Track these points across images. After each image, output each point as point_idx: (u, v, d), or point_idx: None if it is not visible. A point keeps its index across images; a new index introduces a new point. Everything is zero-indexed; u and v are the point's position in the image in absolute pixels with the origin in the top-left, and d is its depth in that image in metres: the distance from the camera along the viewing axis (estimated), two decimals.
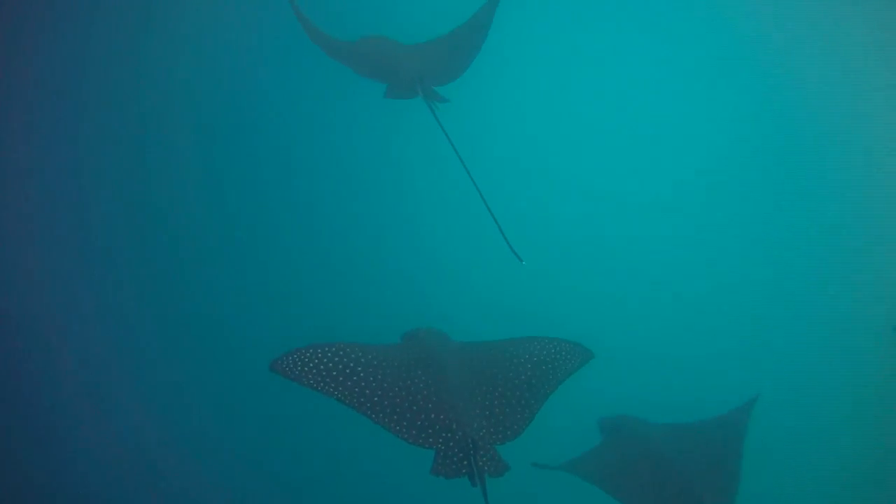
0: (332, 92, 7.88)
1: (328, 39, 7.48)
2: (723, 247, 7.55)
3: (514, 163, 7.70)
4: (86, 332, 6.39)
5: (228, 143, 7.64)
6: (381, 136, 7.81)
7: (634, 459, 5.56)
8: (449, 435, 4.78)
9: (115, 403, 6.11)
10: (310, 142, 7.77)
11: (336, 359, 5.00)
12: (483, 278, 6.93)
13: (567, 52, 8.44)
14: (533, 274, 6.44)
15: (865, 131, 7.81)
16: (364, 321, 6.35)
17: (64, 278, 6.64)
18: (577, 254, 7.28)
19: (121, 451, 5.92)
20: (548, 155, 7.87)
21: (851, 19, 8.17)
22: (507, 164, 7.62)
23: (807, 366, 6.86)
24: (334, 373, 4.93)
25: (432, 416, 4.84)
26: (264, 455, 6.07)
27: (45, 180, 7.04)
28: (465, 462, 4.69)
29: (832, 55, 8.12)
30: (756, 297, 7.30)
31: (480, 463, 4.69)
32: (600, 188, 7.66)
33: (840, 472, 6.24)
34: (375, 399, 4.86)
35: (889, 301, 7.20)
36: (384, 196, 7.54)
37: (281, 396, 5.95)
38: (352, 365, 5.00)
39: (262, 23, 8.10)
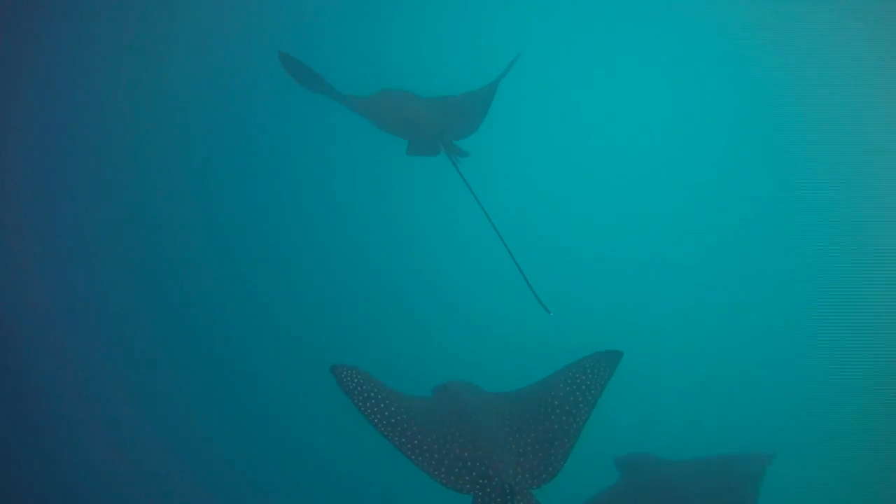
0: (355, 151, 8.12)
1: (347, 97, 7.66)
2: (752, 279, 7.68)
3: (537, 212, 7.90)
4: (85, 339, 6.49)
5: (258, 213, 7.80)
6: (403, 191, 7.99)
7: (650, 498, 5.59)
8: (486, 481, 4.87)
9: (115, 409, 6.17)
10: (337, 201, 7.95)
11: (384, 392, 5.16)
12: (512, 330, 7.02)
13: (583, 97, 8.67)
14: (560, 324, 6.53)
15: (868, 132, 7.93)
16: (392, 374, 6.42)
17: (63, 286, 6.75)
18: (601, 300, 7.39)
19: (122, 457, 5.99)
20: (570, 203, 8.05)
21: (853, 20, 8.31)
22: (531, 214, 7.82)
23: (825, 422, 6.86)
24: (382, 404, 5.09)
25: (469, 463, 4.94)
26: (265, 460, 6.14)
27: (44, 191, 7.20)
28: None
29: (833, 54, 8.31)
30: (785, 332, 7.35)
31: None
32: (624, 233, 7.84)
33: None
34: (416, 442, 4.99)
35: None
36: (411, 251, 7.71)
37: (286, 406, 6.28)
38: (396, 403, 5.14)
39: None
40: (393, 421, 5.06)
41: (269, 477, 6.06)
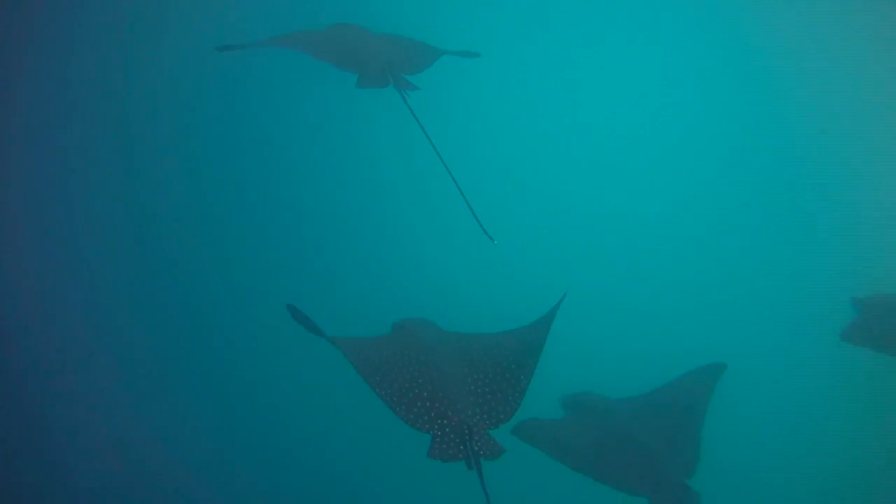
0: (305, 86, 8.04)
1: (297, 36, 7.56)
2: (696, 217, 7.73)
3: (486, 148, 7.89)
4: (76, 335, 6.43)
5: (208, 140, 7.73)
6: (355, 126, 7.94)
7: (595, 434, 5.65)
8: (445, 421, 4.97)
9: (109, 405, 6.14)
10: (284, 134, 7.89)
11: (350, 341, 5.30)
12: (456, 261, 7.07)
13: (542, 36, 8.60)
14: (504, 253, 6.61)
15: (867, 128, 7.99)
16: (343, 314, 6.42)
17: (53, 281, 6.69)
18: (546, 233, 7.46)
19: (115, 453, 5.93)
20: (520, 141, 8.06)
21: (854, 18, 8.33)
22: (479, 150, 7.81)
23: (773, 334, 6.97)
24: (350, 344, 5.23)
25: (427, 403, 5.02)
26: (260, 447, 6.12)
27: (35, 184, 7.13)
28: (462, 447, 4.88)
29: (833, 52, 8.32)
30: (726, 261, 7.46)
31: (476, 447, 4.88)
32: (572, 170, 7.84)
33: (801, 443, 6.31)
34: (377, 377, 5.10)
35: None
36: (358, 185, 7.66)
37: (275, 390, 6.22)
38: (360, 342, 5.28)
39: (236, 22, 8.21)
40: (358, 351, 5.19)
41: (269, 457, 6.12)
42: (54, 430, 5.94)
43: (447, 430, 4.94)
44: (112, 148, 7.45)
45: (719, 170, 8.02)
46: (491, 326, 5.84)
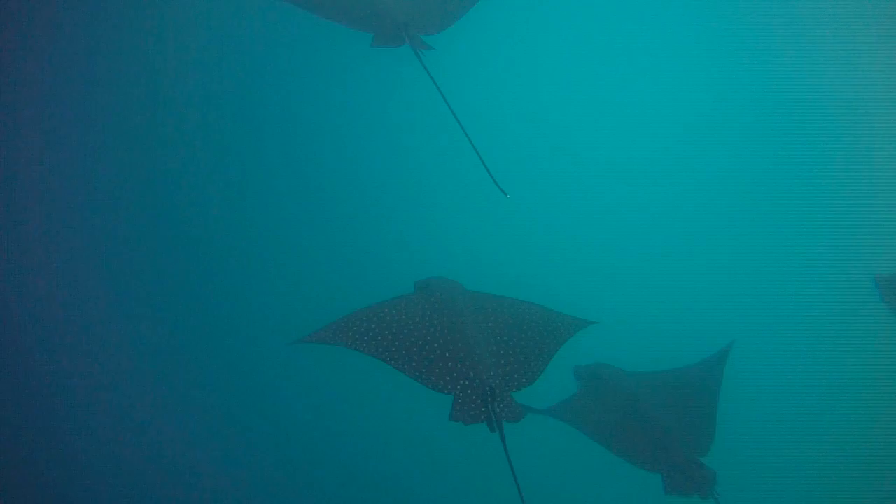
0: (320, 47, 7.97)
1: None
2: (707, 197, 7.65)
3: (502, 108, 7.82)
4: (97, 330, 6.40)
5: (223, 110, 7.64)
6: (372, 87, 7.88)
7: (612, 407, 5.61)
8: (467, 382, 4.88)
9: (128, 401, 6.12)
10: (299, 96, 7.82)
11: (359, 322, 5.14)
12: (472, 216, 7.04)
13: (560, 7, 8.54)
14: (518, 208, 6.58)
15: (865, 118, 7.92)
16: (364, 275, 6.53)
17: (73, 276, 6.63)
18: (559, 191, 7.40)
19: (134, 448, 5.94)
20: (536, 101, 7.99)
21: (854, 16, 8.27)
22: (495, 109, 7.74)
23: (785, 312, 6.95)
24: (356, 335, 5.07)
25: (450, 364, 4.93)
26: (278, 440, 6.11)
27: (50, 177, 7.05)
28: (483, 409, 4.79)
29: (834, 49, 8.22)
30: (734, 245, 7.39)
31: (498, 409, 4.79)
32: (591, 130, 7.79)
33: (816, 420, 6.30)
34: (393, 349, 4.97)
35: (870, 250, 7.25)
36: (375, 146, 7.61)
37: (292, 380, 6.18)
38: (373, 326, 5.12)
39: None
40: (372, 341, 5.04)
41: (283, 440, 6.11)
42: (71, 429, 5.94)
43: (469, 391, 4.85)
44: (130, 134, 7.35)
45: (739, 150, 7.95)
46: (507, 285, 5.78)
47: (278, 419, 6.10)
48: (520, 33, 8.37)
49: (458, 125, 6.47)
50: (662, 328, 6.56)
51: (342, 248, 6.90)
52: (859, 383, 6.48)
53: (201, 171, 7.21)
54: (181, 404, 6.11)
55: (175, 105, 7.46)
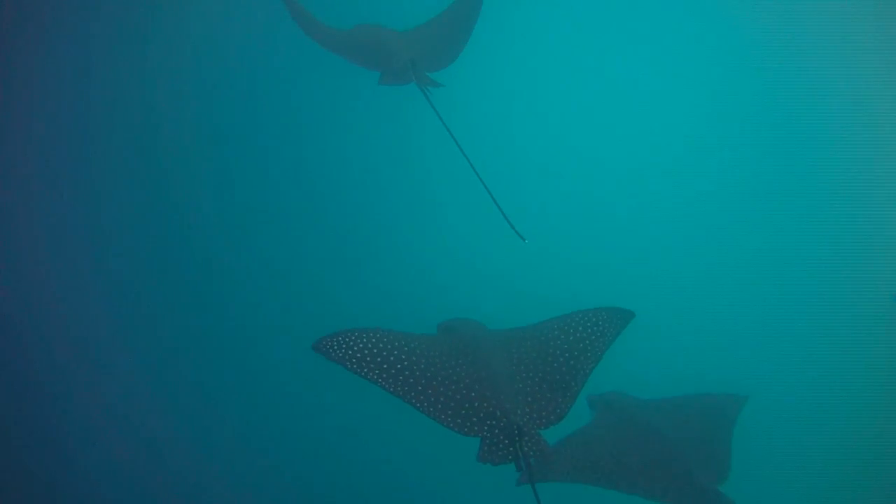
0: (329, 84, 7.95)
1: (323, 29, 7.50)
2: (727, 229, 7.59)
3: (510, 145, 7.79)
4: (94, 328, 6.41)
5: (229, 138, 7.66)
6: (379, 125, 7.87)
7: (626, 439, 5.48)
8: (494, 422, 4.78)
9: (131, 402, 6.12)
10: (308, 134, 7.81)
11: (381, 344, 4.99)
12: (487, 260, 7.01)
13: (560, 34, 8.47)
14: (536, 252, 6.51)
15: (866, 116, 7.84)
16: (375, 315, 6.26)
17: (76, 277, 6.64)
18: (575, 230, 7.36)
19: (137, 449, 5.96)
20: (543, 138, 7.95)
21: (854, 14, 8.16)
22: (504, 147, 7.72)
23: (805, 354, 6.88)
24: (378, 359, 4.92)
25: (476, 404, 4.82)
26: (290, 448, 6.10)
27: (54, 178, 7.05)
28: (511, 448, 4.71)
29: (833, 46, 8.12)
30: (757, 283, 7.31)
31: (526, 448, 4.72)
32: (596, 169, 7.74)
33: (836, 445, 6.27)
34: (419, 388, 4.85)
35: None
36: (384, 185, 7.61)
37: (314, 387, 6.11)
38: (395, 352, 4.97)
39: (255, 18, 8.09)
40: (393, 371, 4.91)
41: (302, 465, 6.08)
42: (72, 427, 5.95)
43: (496, 430, 4.77)
44: (127, 139, 7.36)
45: (757, 166, 7.92)
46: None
47: (287, 424, 6.13)
48: (526, 60, 8.35)
49: (472, 168, 6.44)
50: (681, 352, 6.54)
51: (343, 278, 6.92)
52: (882, 406, 6.44)
53: (199, 174, 7.24)
54: (183, 406, 6.14)
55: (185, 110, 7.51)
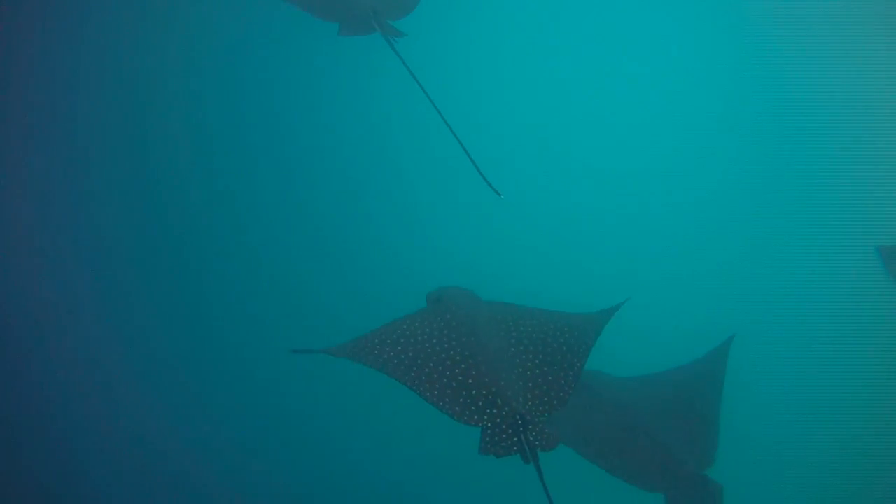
0: (287, 40, 7.46)
1: None
2: (695, 183, 7.23)
3: (482, 96, 7.36)
4: (90, 331, 6.13)
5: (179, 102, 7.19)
6: (342, 82, 7.41)
7: (605, 423, 5.19)
8: (495, 412, 4.47)
9: (124, 402, 5.88)
10: (263, 99, 7.33)
11: (377, 341, 4.72)
12: (467, 219, 6.69)
13: None
14: (511, 207, 6.25)
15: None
16: (357, 281, 6.22)
17: (65, 278, 6.33)
18: (552, 186, 6.99)
19: (129, 449, 5.71)
20: (516, 86, 7.53)
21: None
22: (476, 97, 7.30)
23: (785, 296, 6.61)
24: (376, 351, 4.67)
25: (474, 391, 4.51)
26: (281, 450, 5.81)
27: (41, 178, 6.72)
28: (516, 439, 4.42)
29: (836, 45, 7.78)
30: (727, 229, 7.02)
31: (531, 438, 4.42)
32: (567, 117, 7.36)
33: (826, 414, 5.99)
34: (413, 373, 4.55)
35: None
36: (350, 147, 7.16)
37: (298, 388, 5.86)
38: (390, 342, 4.71)
39: None
40: (384, 357, 4.62)
41: (296, 461, 5.80)
42: (67, 430, 5.72)
43: (498, 420, 4.45)
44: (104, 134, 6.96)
45: (733, 126, 7.56)
46: (506, 287, 5.45)
47: (280, 428, 5.86)
48: (500, 8, 7.89)
49: (443, 121, 6.09)
50: (660, 321, 6.18)
51: (332, 254, 6.56)
52: (870, 367, 6.25)
53: (189, 174, 6.85)
54: (177, 409, 5.91)
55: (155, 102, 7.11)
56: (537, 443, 4.40)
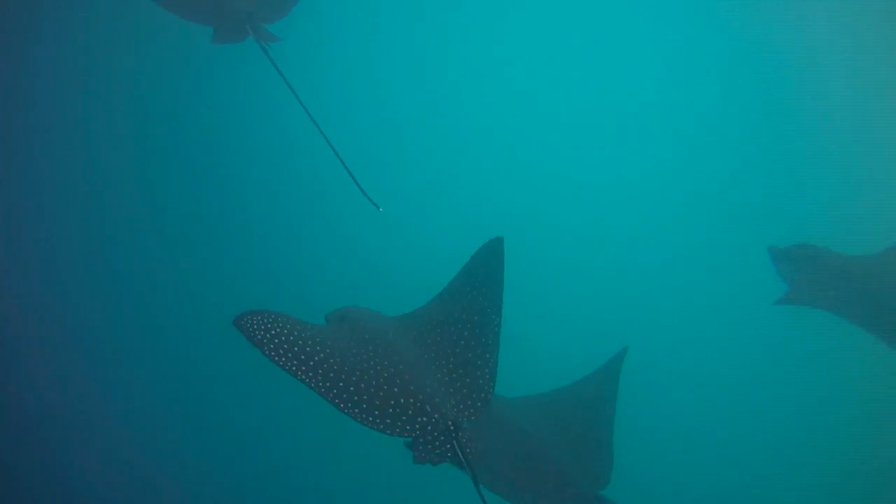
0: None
1: None
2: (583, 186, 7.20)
3: (357, 104, 7.12)
4: (61, 344, 6.08)
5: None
6: (217, 92, 7.10)
7: (499, 450, 5.02)
8: (425, 419, 4.39)
9: (97, 414, 5.87)
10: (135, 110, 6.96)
11: (296, 332, 4.45)
12: (347, 232, 6.48)
13: None
14: (393, 220, 5.97)
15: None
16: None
17: (31, 289, 6.26)
18: (429, 196, 6.85)
19: (105, 461, 5.71)
20: (393, 92, 7.31)
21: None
22: (352, 107, 7.04)
23: (677, 304, 6.64)
24: (296, 348, 4.38)
25: (402, 401, 4.42)
26: (251, 452, 5.84)
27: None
28: (448, 445, 4.36)
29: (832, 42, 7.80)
30: (621, 240, 7.01)
31: (463, 442, 4.36)
32: (444, 118, 7.17)
33: (720, 422, 6.07)
34: (339, 386, 4.35)
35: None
36: (226, 157, 6.89)
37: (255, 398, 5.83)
38: (310, 342, 4.46)
39: None
40: (311, 363, 4.37)
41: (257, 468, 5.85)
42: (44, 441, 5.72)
43: (429, 427, 4.37)
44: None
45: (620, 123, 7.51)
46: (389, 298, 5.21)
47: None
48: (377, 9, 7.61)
49: (320, 132, 5.76)
50: (552, 337, 6.23)
51: (198, 271, 6.41)
52: (763, 370, 6.26)
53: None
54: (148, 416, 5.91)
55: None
56: (468, 449, 4.36)
